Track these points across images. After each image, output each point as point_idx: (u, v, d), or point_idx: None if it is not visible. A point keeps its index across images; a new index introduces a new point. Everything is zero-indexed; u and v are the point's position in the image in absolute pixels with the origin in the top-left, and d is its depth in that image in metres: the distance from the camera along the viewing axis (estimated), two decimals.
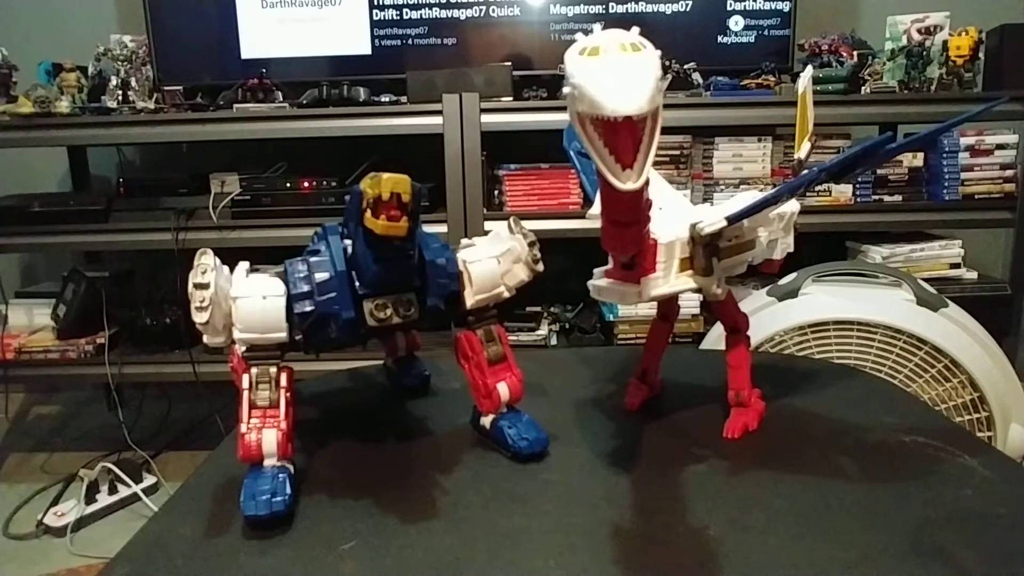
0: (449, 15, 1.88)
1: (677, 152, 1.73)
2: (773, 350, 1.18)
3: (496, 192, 1.76)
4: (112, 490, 1.68)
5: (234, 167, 1.80)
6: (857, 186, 1.75)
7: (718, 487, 0.52)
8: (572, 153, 0.64)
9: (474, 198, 1.67)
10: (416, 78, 1.70)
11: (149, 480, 1.74)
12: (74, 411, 2.25)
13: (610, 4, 1.86)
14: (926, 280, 1.27)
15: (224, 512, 0.50)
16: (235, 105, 1.73)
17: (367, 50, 1.90)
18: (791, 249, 0.63)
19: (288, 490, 0.49)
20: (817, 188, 1.69)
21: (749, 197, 0.55)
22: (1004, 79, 1.68)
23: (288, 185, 1.72)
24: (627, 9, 1.86)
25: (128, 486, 1.69)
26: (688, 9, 1.86)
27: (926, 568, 0.42)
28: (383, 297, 0.51)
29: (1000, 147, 1.72)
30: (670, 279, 0.54)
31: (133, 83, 1.76)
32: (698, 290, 0.56)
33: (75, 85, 1.76)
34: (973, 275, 1.76)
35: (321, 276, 0.50)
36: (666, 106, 0.51)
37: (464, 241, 0.60)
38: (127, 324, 1.84)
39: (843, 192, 1.74)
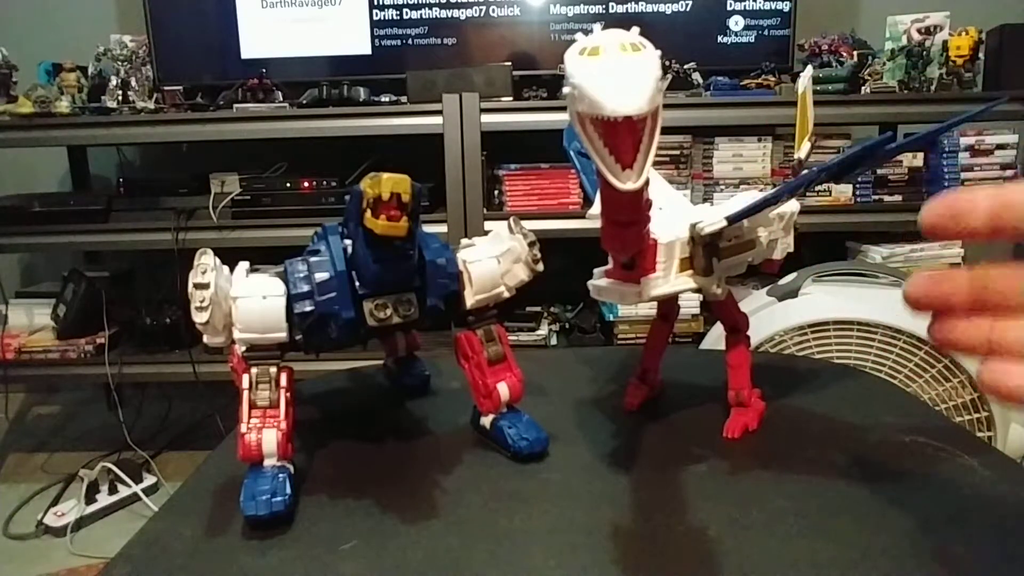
0: (449, 15, 1.88)
1: (677, 152, 1.73)
2: (773, 350, 1.18)
3: (496, 192, 1.76)
4: (112, 490, 1.68)
5: (234, 167, 1.80)
6: (857, 186, 1.75)
7: (718, 487, 0.52)
8: (572, 153, 0.64)
9: (474, 198, 1.67)
10: (416, 78, 1.70)
11: (149, 480, 1.74)
12: (74, 411, 2.25)
13: (610, 4, 1.86)
14: None
15: (224, 512, 0.50)
16: (235, 105, 1.73)
17: (367, 50, 1.91)
18: (791, 249, 0.63)
19: (288, 490, 0.49)
20: (817, 188, 1.69)
21: (749, 197, 0.55)
22: (1004, 79, 1.68)
23: (288, 185, 1.73)
24: (627, 9, 1.86)
25: (128, 486, 1.69)
26: (688, 9, 1.86)
27: (926, 568, 0.42)
28: (383, 297, 0.51)
29: (1000, 147, 1.72)
30: (670, 279, 0.54)
31: (133, 83, 1.76)
32: (698, 290, 0.56)
33: (75, 85, 1.77)
34: None
35: (321, 276, 0.50)
36: (666, 106, 0.51)
37: (464, 241, 0.59)
38: (127, 324, 1.84)
39: (843, 192, 1.74)
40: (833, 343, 1.16)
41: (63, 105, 1.71)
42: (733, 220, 0.53)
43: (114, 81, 1.75)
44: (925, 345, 1.12)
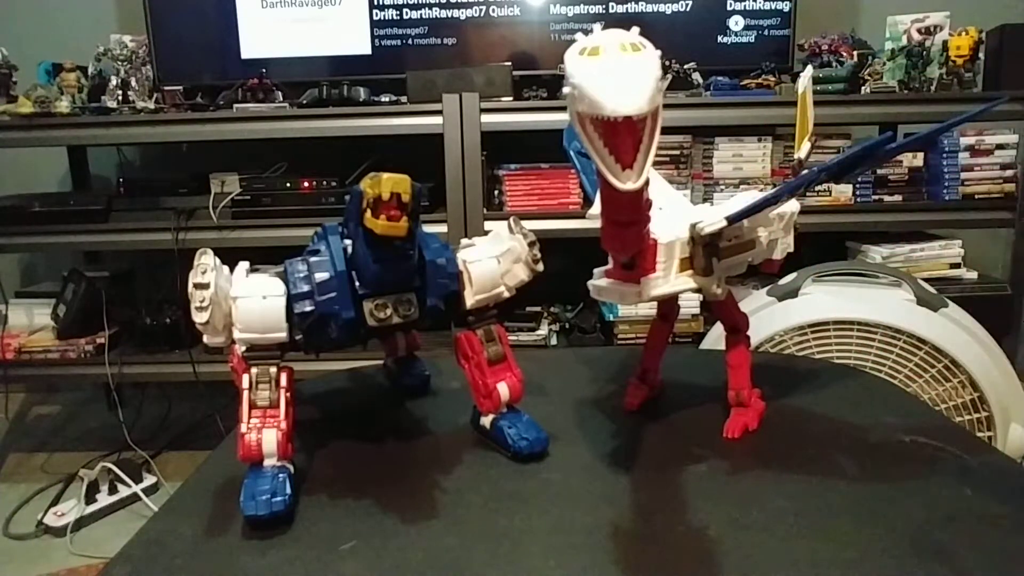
0: (449, 15, 1.88)
1: (677, 152, 1.73)
2: (773, 350, 1.18)
3: (496, 192, 1.76)
4: (112, 490, 1.68)
5: (234, 167, 1.80)
6: (857, 186, 1.75)
7: (718, 487, 0.52)
8: (572, 153, 0.64)
9: (474, 198, 1.67)
10: (416, 78, 1.70)
11: (149, 480, 1.74)
12: (74, 411, 2.25)
13: (610, 4, 1.86)
14: (926, 280, 1.27)
15: (224, 512, 0.50)
16: (235, 105, 1.73)
17: (367, 50, 1.90)
18: (791, 249, 0.63)
19: (288, 490, 0.49)
20: (817, 188, 1.69)
21: (749, 197, 0.55)
22: (1004, 79, 1.68)
23: (288, 185, 1.72)
24: (627, 9, 1.86)
25: (128, 486, 1.69)
26: (688, 9, 1.86)
27: (926, 568, 0.42)
28: (383, 297, 0.51)
29: (1000, 147, 1.72)
30: (670, 279, 0.54)
31: (133, 83, 1.76)
32: (698, 290, 0.56)
33: (75, 85, 1.77)
34: (973, 275, 1.76)
35: (321, 276, 0.50)
36: (666, 106, 0.51)
37: (464, 241, 0.60)
38: (127, 324, 1.84)
39: (843, 192, 1.74)
40: (833, 343, 1.16)
41: (63, 105, 1.71)
42: (733, 220, 0.53)
43: (114, 81, 1.75)
44: (925, 345, 1.12)
